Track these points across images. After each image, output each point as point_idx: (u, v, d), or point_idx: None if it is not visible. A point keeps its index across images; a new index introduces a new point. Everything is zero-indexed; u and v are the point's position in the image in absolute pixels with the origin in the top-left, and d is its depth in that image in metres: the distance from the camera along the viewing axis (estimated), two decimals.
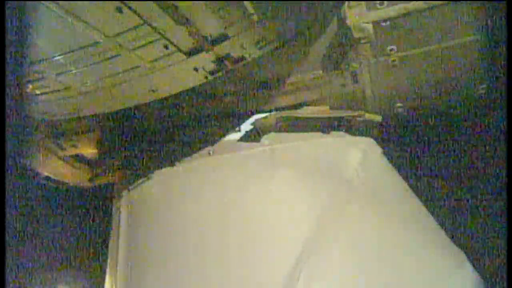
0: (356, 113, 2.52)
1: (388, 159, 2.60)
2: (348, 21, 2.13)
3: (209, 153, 2.44)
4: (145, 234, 2.39)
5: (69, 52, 1.68)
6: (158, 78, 1.97)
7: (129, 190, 2.60)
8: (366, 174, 2.37)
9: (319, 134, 2.52)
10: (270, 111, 2.55)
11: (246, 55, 2.06)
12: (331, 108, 2.56)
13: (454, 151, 3.21)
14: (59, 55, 1.68)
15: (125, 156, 2.69)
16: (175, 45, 1.79)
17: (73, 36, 1.60)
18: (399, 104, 2.54)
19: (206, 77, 2.06)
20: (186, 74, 2.00)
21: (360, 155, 2.45)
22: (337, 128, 2.56)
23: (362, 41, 2.20)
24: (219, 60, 1.98)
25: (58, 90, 1.92)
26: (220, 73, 2.06)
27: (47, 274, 3.73)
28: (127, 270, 2.35)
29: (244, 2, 1.72)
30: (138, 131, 2.68)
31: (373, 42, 2.21)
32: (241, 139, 2.48)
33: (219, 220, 2.20)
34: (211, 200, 2.27)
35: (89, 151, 2.77)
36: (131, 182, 2.60)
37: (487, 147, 2.97)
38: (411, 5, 2.05)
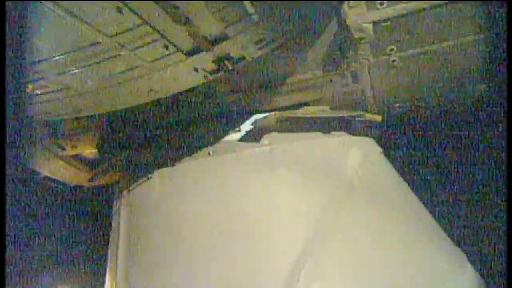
0: (356, 113, 2.52)
1: (388, 159, 2.60)
2: (348, 21, 2.13)
3: (209, 153, 2.44)
4: (145, 234, 2.39)
5: (69, 52, 1.67)
6: (158, 78, 1.96)
7: (129, 190, 2.60)
8: (366, 174, 2.37)
9: (319, 134, 2.52)
10: (270, 111, 2.55)
11: (246, 55, 2.06)
12: (331, 108, 2.56)
13: (454, 151, 3.21)
14: (59, 55, 1.68)
15: (125, 156, 2.69)
16: (175, 45, 1.78)
17: (73, 36, 1.59)
18: (399, 104, 2.54)
19: (206, 77, 2.06)
20: (186, 74, 2.00)
21: (360, 155, 2.45)
22: (337, 128, 2.56)
23: (362, 41, 2.19)
24: (219, 60, 1.98)
25: (58, 90, 1.92)
26: (220, 73, 2.06)
27: (47, 274, 3.73)
28: (127, 270, 2.35)
29: (244, 2, 1.71)
30: (138, 131, 2.68)
31: (373, 42, 2.20)
32: (241, 139, 2.48)
33: (219, 220, 2.20)
34: (211, 200, 2.27)
35: (89, 151, 2.77)
36: (131, 182, 2.60)
37: (487, 147, 2.97)
38: (411, 5, 2.05)
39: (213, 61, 1.98)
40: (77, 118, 2.37)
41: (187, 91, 2.17)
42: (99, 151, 2.77)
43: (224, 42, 1.88)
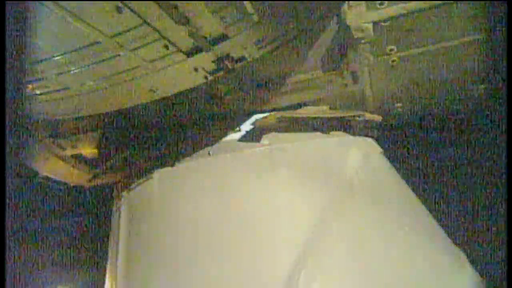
0: (356, 113, 2.52)
1: (388, 159, 2.60)
2: (348, 21, 2.13)
3: (209, 153, 2.44)
4: (145, 234, 2.39)
5: (69, 52, 1.68)
6: (158, 78, 1.97)
7: (129, 190, 2.60)
8: (366, 174, 2.37)
9: (319, 134, 2.52)
10: (270, 111, 2.55)
11: (246, 55, 2.06)
12: (331, 108, 2.56)
13: (454, 151, 3.21)
14: (59, 55, 1.69)
15: (125, 156, 2.69)
16: (175, 45, 1.79)
17: (73, 36, 1.60)
18: (399, 104, 2.54)
19: (206, 77, 2.06)
20: (186, 74, 2.00)
21: (360, 155, 2.45)
22: (337, 128, 2.56)
23: (362, 41, 2.19)
24: (219, 60, 1.98)
25: (58, 90, 1.92)
26: (220, 73, 2.06)
27: (47, 274, 3.73)
28: (127, 270, 2.35)
29: (244, 2, 1.71)
30: (138, 131, 2.68)
31: (373, 42, 2.20)
32: (241, 139, 2.48)
33: (219, 220, 2.20)
34: (211, 200, 2.27)
35: (89, 151, 2.77)
36: (131, 182, 2.60)
37: (487, 147, 2.97)
38: (411, 5, 2.05)
39: (213, 61, 1.98)
40: (77, 118, 2.37)
41: (187, 91, 2.17)
42: (99, 151, 2.77)
43: (224, 42, 1.88)
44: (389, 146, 2.66)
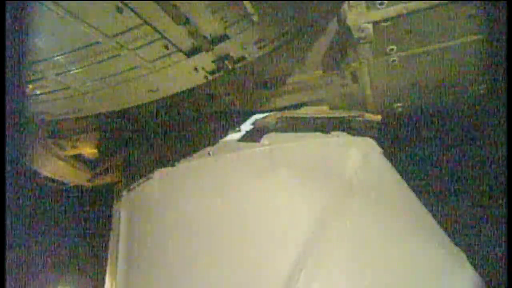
0: (356, 113, 2.52)
1: (388, 159, 2.60)
2: (348, 21, 2.12)
3: (209, 153, 2.44)
4: (145, 234, 2.39)
5: (69, 52, 1.67)
6: (158, 78, 1.97)
7: (129, 190, 2.60)
8: (366, 174, 2.37)
9: (319, 134, 2.52)
10: (270, 111, 2.55)
11: (246, 55, 2.06)
12: (331, 108, 2.56)
13: (454, 151, 3.21)
14: (59, 55, 1.68)
15: (125, 156, 2.69)
16: (175, 45, 1.79)
17: (73, 36, 1.60)
18: (398, 104, 2.54)
19: (206, 77, 2.07)
20: (186, 74, 2.00)
21: (360, 155, 2.45)
22: (337, 128, 2.56)
23: (362, 41, 2.19)
24: (219, 60, 1.98)
25: (58, 90, 1.92)
26: (220, 73, 2.06)
27: (48, 274, 3.73)
28: (127, 270, 2.35)
29: (244, 2, 1.71)
30: (138, 131, 2.68)
31: (373, 42, 2.20)
32: (241, 139, 2.48)
33: (219, 220, 2.20)
34: (211, 200, 2.27)
35: (89, 151, 2.77)
36: (131, 182, 2.60)
37: (487, 147, 2.97)
38: (411, 5, 2.05)
39: (213, 61, 1.98)
40: (77, 118, 2.37)
41: (187, 91, 2.17)
42: (99, 151, 2.77)
43: (224, 42, 1.88)
44: (389, 146, 2.66)
